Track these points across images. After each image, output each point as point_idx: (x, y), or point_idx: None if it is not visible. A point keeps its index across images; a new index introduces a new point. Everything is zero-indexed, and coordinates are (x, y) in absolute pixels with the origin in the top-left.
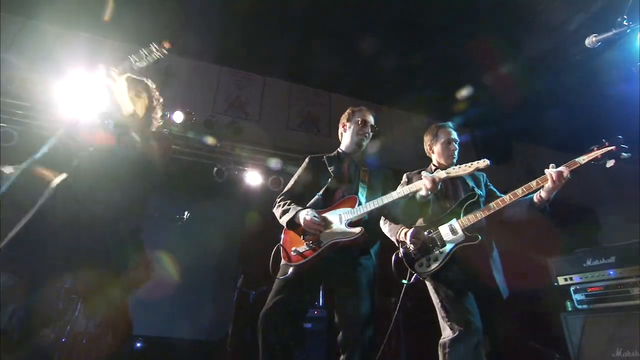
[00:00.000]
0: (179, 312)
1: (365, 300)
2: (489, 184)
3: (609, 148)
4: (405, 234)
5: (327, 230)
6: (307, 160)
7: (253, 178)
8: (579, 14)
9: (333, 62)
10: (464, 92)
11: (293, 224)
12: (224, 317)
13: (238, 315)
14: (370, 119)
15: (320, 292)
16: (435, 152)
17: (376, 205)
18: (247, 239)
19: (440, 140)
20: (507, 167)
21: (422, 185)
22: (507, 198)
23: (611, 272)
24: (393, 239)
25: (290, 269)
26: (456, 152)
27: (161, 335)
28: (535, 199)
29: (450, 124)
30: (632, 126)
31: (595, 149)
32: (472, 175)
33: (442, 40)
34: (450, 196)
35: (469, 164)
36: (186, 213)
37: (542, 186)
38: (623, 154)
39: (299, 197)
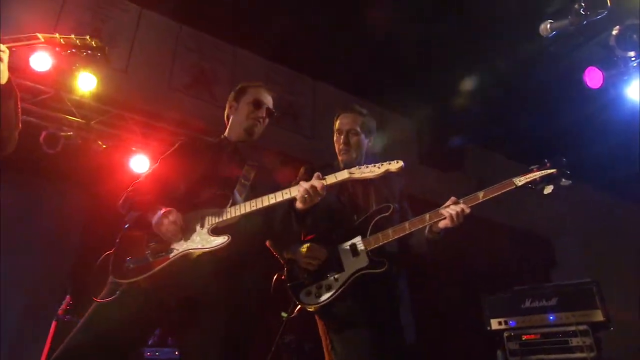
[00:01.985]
0: None
1: (216, 348)
2: (404, 195)
3: (549, 171)
4: (296, 251)
5: (183, 237)
6: (177, 144)
7: (109, 154)
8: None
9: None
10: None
11: (142, 223)
12: (33, 356)
13: (53, 355)
14: (267, 100)
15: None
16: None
17: (252, 208)
18: (87, 243)
19: (335, 130)
20: (456, 175)
21: (297, 192)
22: (427, 217)
23: (551, 317)
24: (277, 253)
25: (120, 288)
26: (353, 146)
27: None
28: (428, 233)
29: (354, 107)
30: (600, 144)
31: (534, 169)
32: (386, 181)
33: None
34: (360, 205)
35: (378, 165)
36: None
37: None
38: (563, 179)
39: (157, 190)
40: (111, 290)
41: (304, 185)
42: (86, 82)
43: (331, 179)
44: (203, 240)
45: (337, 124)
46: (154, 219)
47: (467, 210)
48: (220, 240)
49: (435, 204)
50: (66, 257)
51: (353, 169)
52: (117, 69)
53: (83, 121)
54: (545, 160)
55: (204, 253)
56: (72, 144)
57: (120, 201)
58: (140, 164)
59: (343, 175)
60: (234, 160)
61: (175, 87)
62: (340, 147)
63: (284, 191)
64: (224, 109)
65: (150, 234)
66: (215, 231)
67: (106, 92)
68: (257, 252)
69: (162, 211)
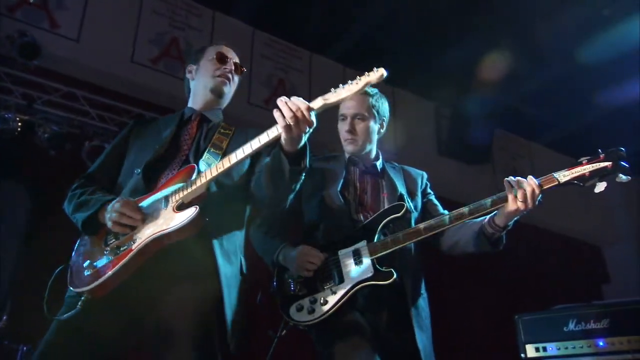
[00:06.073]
0: None
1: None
2: (429, 191)
3: (603, 164)
4: (289, 255)
5: (146, 223)
6: (129, 125)
7: (53, 140)
8: None
9: None
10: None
11: (94, 224)
12: None
13: None
14: (231, 54)
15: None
16: None
17: (220, 170)
18: (30, 252)
19: (338, 114)
20: (482, 168)
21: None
22: (447, 219)
23: (601, 343)
24: (267, 259)
25: (80, 300)
26: (360, 134)
27: None
28: (486, 225)
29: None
30: None
31: (584, 162)
32: (404, 175)
33: None
34: (366, 203)
35: (355, 80)
36: None
37: (499, 207)
38: (621, 175)
39: (109, 183)
40: (72, 304)
41: (284, 100)
42: (28, 53)
43: (314, 105)
44: (168, 220)
45: (340, 107)
46: (106, 215)
47: (538, 192)
48: (187, 213)
49: (455, 203)
50: (2, 268)
51: (327, 94)
52: (67, 37)
53: (24, 101)
54: (599, 151)
55: (172, 235)
56: (10, 129)
57: (66, 201)
58: (97, 154)
59: (317, 103)
60: (202, 129)
61: (139, 59)
62: (345, 135)
63: (257, 138)
64: None
65: (108, 231)
66: (182, 208)
67: (53, 66)
68: (240, 225)
69: (112, 203)
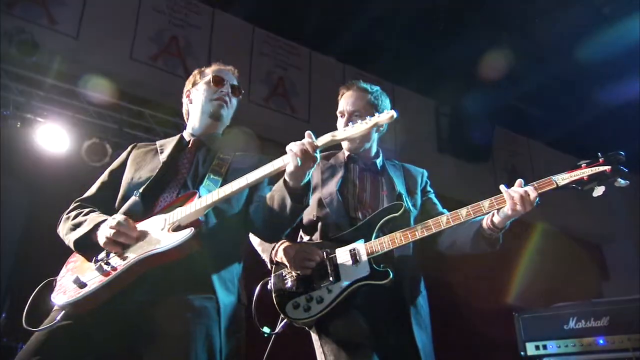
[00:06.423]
0: None
1: None
2: (429, 189)
3: (602, 168)
4: (287, 252)
5: (139, 243)
6: (128, 149)
7: (51, 137)
8: None
9: None
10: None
11: (87, 243)
12: None
13: None
14: (228, 76)
15: None
16: None
17: (221, 196)
18: (27, 251)
19: (337, 112)
20: (482, 166)
21: (289, 159)
22: (444, 220)
23: (601, 341)
24: (265, 257)
25: (60, 314)
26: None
27: None
28: (484, 226)
29: (359, 83)
30: None
31: (583, 165)
32: (404, 173)
33: None
34: (365, 201)
35: (367, 119)
36: None
37: (498, 209)
38: (620, 180)
39: (107, 206)
40: (52, 317)
41: (292, 146)
42: (26, 50)
43: (320, 141)
44: (161, 240)
45: (339, 104)
46: (99, 234)
47: (534, 196)
48: (182, 234)
49: (455, 200)
50: (0, 267)
51: (336, 132)
52: (66, 34)
53: (22, 98)
54: (599, 154)
55: (164, 255)
56: (8, 124)
57: (60, 223)
58: (96, 151)
59: (325, 139)
60: (200, 154)
61: (139, 57)
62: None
63: (261, 168)
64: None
65: (100, 248)
66: (178, 230)
67: (52, 63)
68: (235, 255)
69: (107, 222)
